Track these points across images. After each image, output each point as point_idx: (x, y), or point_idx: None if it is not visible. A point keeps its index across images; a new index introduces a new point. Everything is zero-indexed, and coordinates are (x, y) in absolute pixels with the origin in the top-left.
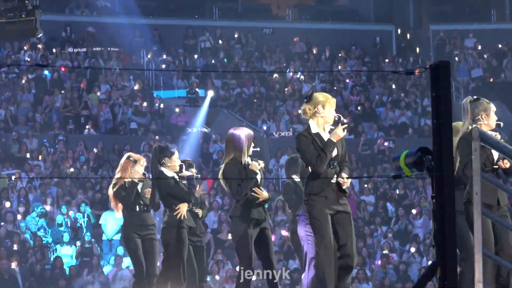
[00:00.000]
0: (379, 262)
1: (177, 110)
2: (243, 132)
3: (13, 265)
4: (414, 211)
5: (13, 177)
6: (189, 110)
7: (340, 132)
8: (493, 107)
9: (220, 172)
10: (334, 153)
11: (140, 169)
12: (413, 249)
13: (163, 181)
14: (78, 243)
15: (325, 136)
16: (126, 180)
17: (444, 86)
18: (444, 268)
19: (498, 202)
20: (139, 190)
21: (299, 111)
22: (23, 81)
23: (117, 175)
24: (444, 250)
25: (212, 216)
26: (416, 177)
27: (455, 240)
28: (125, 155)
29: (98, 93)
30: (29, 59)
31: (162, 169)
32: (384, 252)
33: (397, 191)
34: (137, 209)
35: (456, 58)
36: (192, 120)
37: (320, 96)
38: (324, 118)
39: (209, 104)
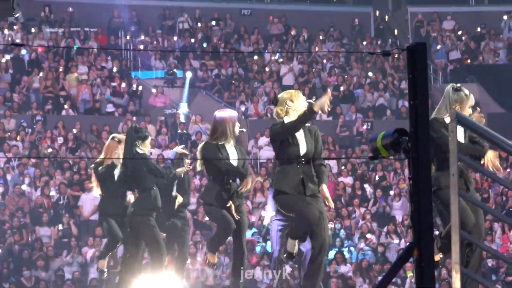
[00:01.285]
0: (359, 244)
1: (154, 91)
2: (226, 114)
3: None
4: (392, 193)
5: None
6: (167, 91)
7: (324, 102)
8: (470, 102)
9: (198, 150)
10: (303, 150)
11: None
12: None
13: (140, 160)
14: (58, 225)
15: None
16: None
17: (420, 67)
18: (420, 250)
19: (468, 187)
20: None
21: (274, 116)
22: (1, 61)
23: (102, 155)
24: (420, 231)
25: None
26: (393, 159)
27: (432, 221)
28: (110, 136)
29: (76, 74)
30: (9, 39)
31: (137, 149)
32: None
33: (376, 173)
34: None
35: (435, 41)
36: (170, 101)
37: (284, 94)
38: (297, 110)
39: (188, 85)
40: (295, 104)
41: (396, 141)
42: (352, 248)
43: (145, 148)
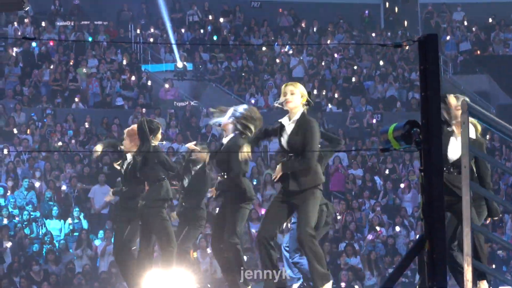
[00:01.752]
0: (369, 236)
1: (167, 85)
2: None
3: (5, 241)
4: (402, 185)
5: (5, 151)
6: (177, 84)
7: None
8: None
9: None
10: (285, 144)
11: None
12: (397, 228)
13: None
14: (68, 218)
15: (285, 122)
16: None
17: (432, 59)
18: (432, 242)
19: None
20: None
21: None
22: (11, 54)
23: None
24: (432, 223)
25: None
26: (404, 150)
27: (443, 213)
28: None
29: (84, 70)
30: (19, 33)
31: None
32: (372, 225)
33: (386, 165)
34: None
35: (445, 32)
36: (180, 94)
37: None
38: (287, 105)
39: (197, 78)
40: (281, 98)
41: (407, 133)
42: (362, 241)
43: (156, 140)
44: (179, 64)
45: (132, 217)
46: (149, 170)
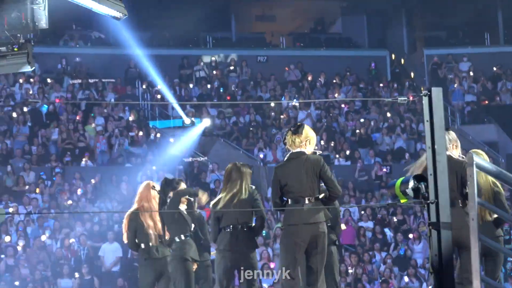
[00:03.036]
0: None
1: (171, 140)
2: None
3: None
4: (412, 236)
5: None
6: (185, 140)
7: None
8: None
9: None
10: None
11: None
12: (406, 278)
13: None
14: (77, 275)
15: None
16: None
17: (437, 112)
18: None
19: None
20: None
21: (286, 141)
22: (19, 114)
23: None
24: (441, 276)
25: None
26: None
27: (452, 266)
28: (146, 183)
29: (93, 125)
30: (29, 92)
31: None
32: (383, 278)
33: (396, 217)
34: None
35: (453, 83)
36: (188, 149)
37: (310, 133)
38: (307, 151)
39: (204, 133)
40: (311, 147)
41: (414, 187)
42: None
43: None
44: (187, 121)
45: None
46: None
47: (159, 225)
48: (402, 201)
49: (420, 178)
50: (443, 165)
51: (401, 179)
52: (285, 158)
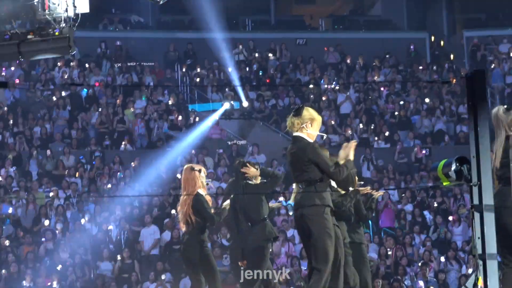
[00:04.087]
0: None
1: (210, 123)
2: None
3: (54, 283)
4: (452, 219)
5: (50, 194)
6: (223, 123)
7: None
8: None
9: None
10: None
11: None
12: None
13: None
14: (119, 257)
15: None
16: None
17: (480, 95)
18: (485, 279)
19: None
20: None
21: (288, 123)
22: (59, 98)
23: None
24: (485, 260)
25: None
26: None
27: (495, 248)
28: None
29: (132, 109)
30: (66, 76)
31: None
32: (423, 261)
33: (435, 199)
34: None
35: (492, 65)
36: (227, 133)
37: (312, 112)
38: (310, 134)
39: (244, 116)
40: (313, 129)
41: (457, 169)
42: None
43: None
44: (226, 105)
45: None
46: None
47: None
48: (444, 183)
49: (463, 160)
50: (485, 147)
51: (443, 161)
52: None
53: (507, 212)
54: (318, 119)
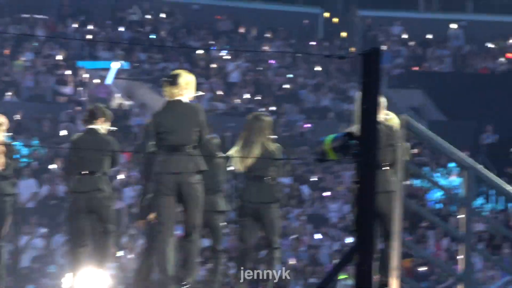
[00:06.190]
0: (290, 244)
1: (98, 81)
2: None
3: None
4: (328, 194)
5: None
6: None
7: None
8: (383, 105)
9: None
10: None
11: None
12: (319, 235)
13: None
14: None
15: None
16: None
17: (374, 73)
18: (361, 254)
19: None
20: None
21: (165, 90)
22: None
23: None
24: (363, 235)
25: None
26: (340, 161)
27: (373, 226)
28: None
29: (22, 61)
30: None
31: None
32: (295, 235)
33: (314, 175)
34: None
35: (382, 45)
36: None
37: (189, 79)
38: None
39: (132, 78)
40: (190, 92)
41: (345, 144)
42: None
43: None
44: (115, 64)
45: None
46: None
47: None
48: (331, 157)
49: (352, 136)
50: (374, 124)
51: (332, 135)
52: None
53: (384, 197)
54: (193, 81)
